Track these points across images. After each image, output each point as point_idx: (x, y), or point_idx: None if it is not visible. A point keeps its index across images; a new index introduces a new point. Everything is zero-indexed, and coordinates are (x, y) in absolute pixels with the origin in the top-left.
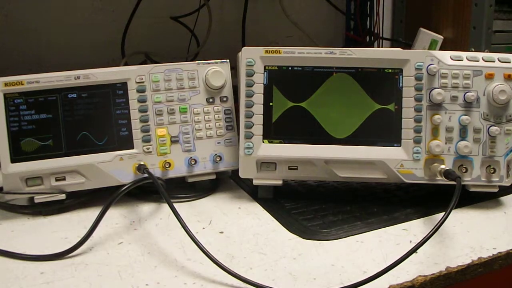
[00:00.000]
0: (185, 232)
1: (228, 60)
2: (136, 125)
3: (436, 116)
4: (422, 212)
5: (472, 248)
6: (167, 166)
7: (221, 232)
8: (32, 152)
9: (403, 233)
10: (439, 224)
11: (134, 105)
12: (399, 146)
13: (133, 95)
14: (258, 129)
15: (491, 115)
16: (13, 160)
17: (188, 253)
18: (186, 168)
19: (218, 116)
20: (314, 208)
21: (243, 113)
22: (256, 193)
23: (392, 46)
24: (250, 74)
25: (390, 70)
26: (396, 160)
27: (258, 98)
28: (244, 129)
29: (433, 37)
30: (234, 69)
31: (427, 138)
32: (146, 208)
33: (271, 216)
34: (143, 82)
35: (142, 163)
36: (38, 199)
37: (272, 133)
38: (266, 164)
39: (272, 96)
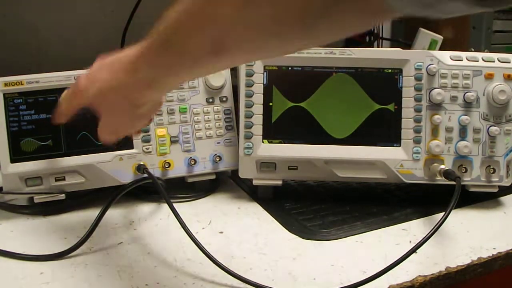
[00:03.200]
0: (184, 232)
1: None
2: None
3: (436, 116)
4: (422, 212)
5: (471, 248)
6: (166, 166)
7: (221, 232)
8: (32, 152)
9: (403, 233)
10: (438, 224)
11: None
12: (399, 146)
13: None
14: (258, 129)
15: (490, 115)
16: (13, 160)
17: (187, 253)
18: (186, 168)
19: (218, 116)
20: (314, 208)
21: (243, 113)
22: (256, 193)
23: (392, 46)
24: (249, 74)
25: (389, 70)
26: (396, 160)
27: (258, 98)
28: (243, 129)
29: (433, 37)
30: (234, 69)
31: (426, 138)
32: (146, 208)
33: (270, 216)
34: None
35: (141, 163)
36: (38, 199)
37: (272, 133)
38: (266, 164)
39: (271, 96)
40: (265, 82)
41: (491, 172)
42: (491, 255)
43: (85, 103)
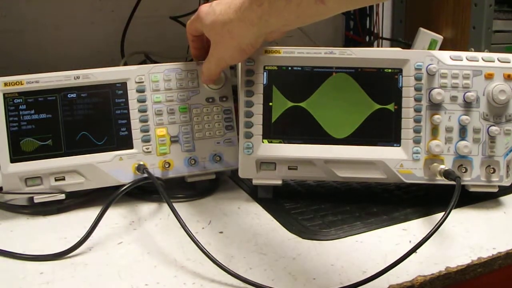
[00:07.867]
0: (184, 232)
1: None
2: (135, 125)
3: (436, 116)
4: (422, 212)
5: (471, 248)
6: (166, 166)
7: (221, 232)
8: (32, 152)
9: (403, 233)
10: (438, 224)
11: (133, 105)
12: (399, 146)
13: (132, 95)
14: (257, 129)
15: (490, 115)
16: (12, 160)
17: (187, 253)
18: (186, 168)
19: (218, 116)
20: (314, 208)
21: (243, 113)
22: (255, 193)
23: (392, 46)
24: (249, 74)
25: (389, 70)
26: (395, 160)
27: (258, 98)
28: (243, 129)
29: (433, 37)
30: (234, 69)
31: (426, 138)
32: (145, 208)
33: (270, 216)
34: (142, 82)
35: (141, 163)
36: (38, 199)
37: (272, 133)
38: (265, 164)
39: (271, 96)
40: (265, 82)
41: (491, 172)
42: (491, 255)
43: (200, 30)
